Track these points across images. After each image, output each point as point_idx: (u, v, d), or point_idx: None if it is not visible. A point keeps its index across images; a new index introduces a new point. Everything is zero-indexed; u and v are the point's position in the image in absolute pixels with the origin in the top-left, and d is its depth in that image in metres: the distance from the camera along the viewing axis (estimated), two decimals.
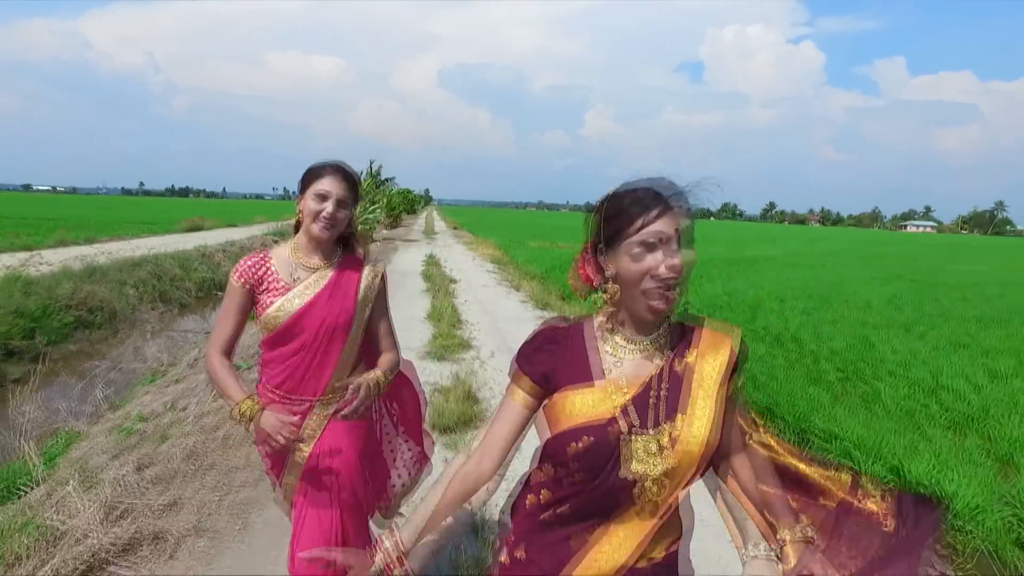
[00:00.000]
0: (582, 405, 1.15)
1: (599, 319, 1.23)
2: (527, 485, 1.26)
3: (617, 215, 1.13)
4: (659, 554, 1.17)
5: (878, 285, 13.57)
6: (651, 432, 1.12)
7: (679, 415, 1.13)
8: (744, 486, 1.23)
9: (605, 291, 1.17)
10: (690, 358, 1.17)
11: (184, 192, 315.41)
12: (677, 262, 1.09)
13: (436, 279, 11.76)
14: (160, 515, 2.80)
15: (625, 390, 1.15)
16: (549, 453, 1.19)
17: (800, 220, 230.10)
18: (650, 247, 1.10)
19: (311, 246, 1.82)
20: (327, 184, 1.74)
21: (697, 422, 1.12)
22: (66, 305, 8.34)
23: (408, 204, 45.46)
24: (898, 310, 9.87)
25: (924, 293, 12.28)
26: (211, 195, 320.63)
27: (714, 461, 1.21)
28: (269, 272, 1.79)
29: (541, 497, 1.20)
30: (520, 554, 1.22)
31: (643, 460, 1.11)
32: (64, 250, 13.77)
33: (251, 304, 1.80)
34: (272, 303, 1.76)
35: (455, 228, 38.69)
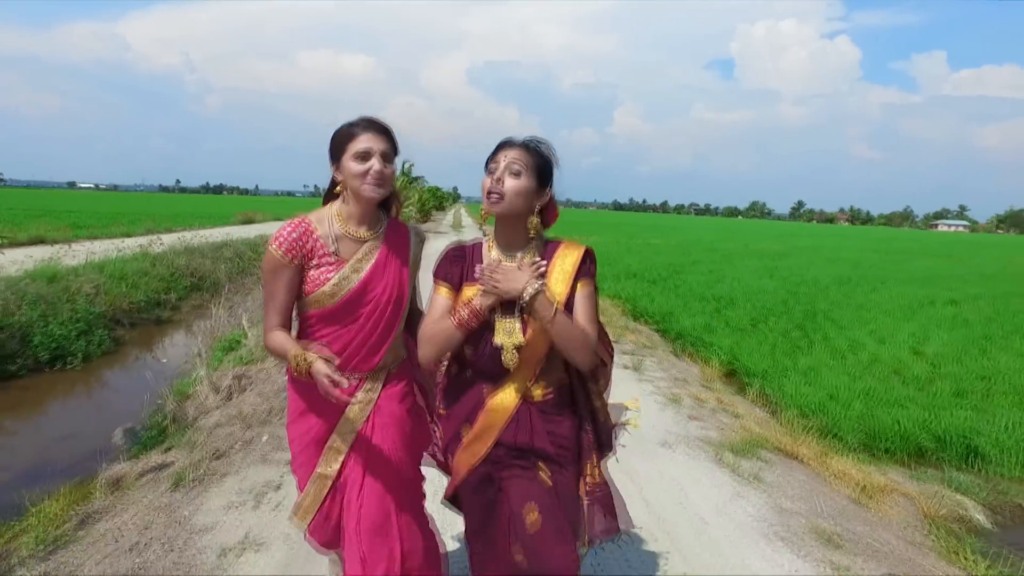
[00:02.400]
0: (471, 296, 1.53)
1: (488, 239, 1.65)
2: (447, 362, 1.72)
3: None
4: (538, 396, 1.59)
5: (834, 269, 15.63)
6: (511, 317, 1.53)
7: None
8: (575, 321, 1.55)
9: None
10: (548, 265, 1.55)
11: (218, 189, 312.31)
12: (499, 184, 1.49)
13: None
14: None
15: None
16: None
17: (829, 219, 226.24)
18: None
19: (359, 214, 1.69)
20: (366, 141, 1.61)
21: None
22: (185, 274, 11.16)
23: (437, 201, 46.29)
24: (842, 287, 12.08)
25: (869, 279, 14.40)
26: (244, 192, 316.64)
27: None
28: (317, 244, 1.65)
29: (454, 368, 1.69)
30: (442, 410, 1.70)
31: (505, 334, 1.52)
32: (152, 237, 16.59)
33: (299, 279, 1.65)
34: (328, 279, 1.64)
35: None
